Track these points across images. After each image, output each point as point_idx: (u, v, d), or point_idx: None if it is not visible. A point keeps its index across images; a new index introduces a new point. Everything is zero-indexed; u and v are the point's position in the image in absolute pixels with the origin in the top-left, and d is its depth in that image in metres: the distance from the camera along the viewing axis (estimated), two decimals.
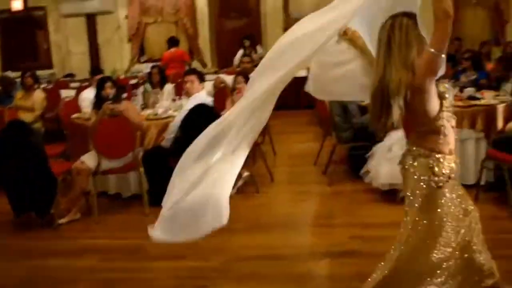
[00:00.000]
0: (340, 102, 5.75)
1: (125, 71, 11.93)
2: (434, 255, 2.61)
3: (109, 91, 5.35)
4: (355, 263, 4.03)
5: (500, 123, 5.43)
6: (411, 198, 2.70)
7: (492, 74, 6.67)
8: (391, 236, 4.50)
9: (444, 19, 2.33)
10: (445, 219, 2.60)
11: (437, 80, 2.57)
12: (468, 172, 5.37)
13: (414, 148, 2.65)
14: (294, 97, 9.88)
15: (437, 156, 2.59)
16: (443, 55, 2.38)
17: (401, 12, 2.51)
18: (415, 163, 2.63)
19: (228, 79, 7.11)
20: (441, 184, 2.60)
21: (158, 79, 7.09)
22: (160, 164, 5.22)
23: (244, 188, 5.78)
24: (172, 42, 10.40)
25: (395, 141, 5.16)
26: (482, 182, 5.29)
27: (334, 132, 5.89)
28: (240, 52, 10.78)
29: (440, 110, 2.56)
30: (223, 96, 6.41)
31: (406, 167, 2.70)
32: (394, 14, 2.51)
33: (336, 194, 5.62)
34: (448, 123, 2.59)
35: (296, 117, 9.74)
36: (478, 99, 5.70)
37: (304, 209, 5.33)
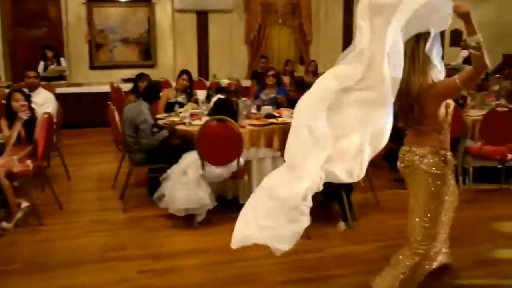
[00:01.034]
0: (132, 121, 5.32)
1: None
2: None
3: None
4: None
5: None
6: (419, 191, 3.22)
7: (289, 93, 6.77)
8: (184, 266, 4.21)
9: (480, 70, 2.89)
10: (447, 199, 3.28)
11: None
12: None
13: (416, 149, 3.17)
14: (94, 113, 9.23)
15: (442, 152, 3.16)
16: (463, 89, 3.09)
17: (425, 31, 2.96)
18: (425, 161, 3.13)
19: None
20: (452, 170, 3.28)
21: None
22: None
23: (25, 220, 5.01)
24: None
25: (190, 163, 4.86)
26: None
27: (128, 154, 5.44)
28: (41, 64, 9.81)
29: (446, 115, 3.16)
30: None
31: (412, 165, 3.19)
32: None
33: (131, 221, 5.15)
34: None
35: (98, 135, 8.98)
36: (275, 117, 5.67)
37: (94, 242, 4.74)
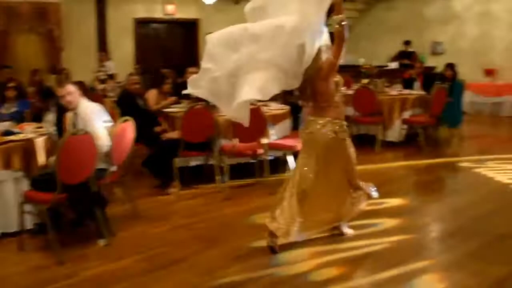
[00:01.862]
0: None
1: None
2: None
3: None
4: None
5: (41, 159, 4.91)
6: (316, 152, 4.11)
7: (34, 104, 6.16)
8: None
9: (342, 41, 3.90)
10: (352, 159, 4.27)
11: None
12: (9, 219, 4.66)
13: (319, 118, 4.09)
14: None
15: (337, 121, 4.10)
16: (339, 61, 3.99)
17: None
18: (324, 129, 4.06)
19: None
20: (344, 137, 4.17)
21: None
22: None
23: None
24: None
25: None
26: (28, 227, 4.70)
27: None
28: None
29: (336, 91, 4.12)
30: None
31: (313, 133, 4.10)
32: None
33: None
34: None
35: None
36: (15, 133, 5.06)
37: None
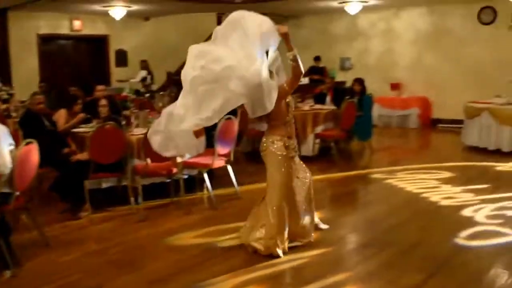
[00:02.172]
0: None
1: None
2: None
3: None
4: None
5: None
6: (272, 169, 4.42)
7: None
8: None
9: (298, 76, 4.30)
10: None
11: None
12: None
13: (269, 137, 4.43)
14: None
15: (286, 139, 4.40)
16: (290, 91, 4.42)
17: None
18: (275, 146, 4.37)
19: None
20: (293, 155, 4.48)
21: None
22: None
23: None
24: None
25: None
26: None
27: None
28: None
29: (287, 111, 4.41)
30: None
31: (267, 150, 4.43)
32: None
33: None
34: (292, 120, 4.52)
35: None
36: None
37: None
